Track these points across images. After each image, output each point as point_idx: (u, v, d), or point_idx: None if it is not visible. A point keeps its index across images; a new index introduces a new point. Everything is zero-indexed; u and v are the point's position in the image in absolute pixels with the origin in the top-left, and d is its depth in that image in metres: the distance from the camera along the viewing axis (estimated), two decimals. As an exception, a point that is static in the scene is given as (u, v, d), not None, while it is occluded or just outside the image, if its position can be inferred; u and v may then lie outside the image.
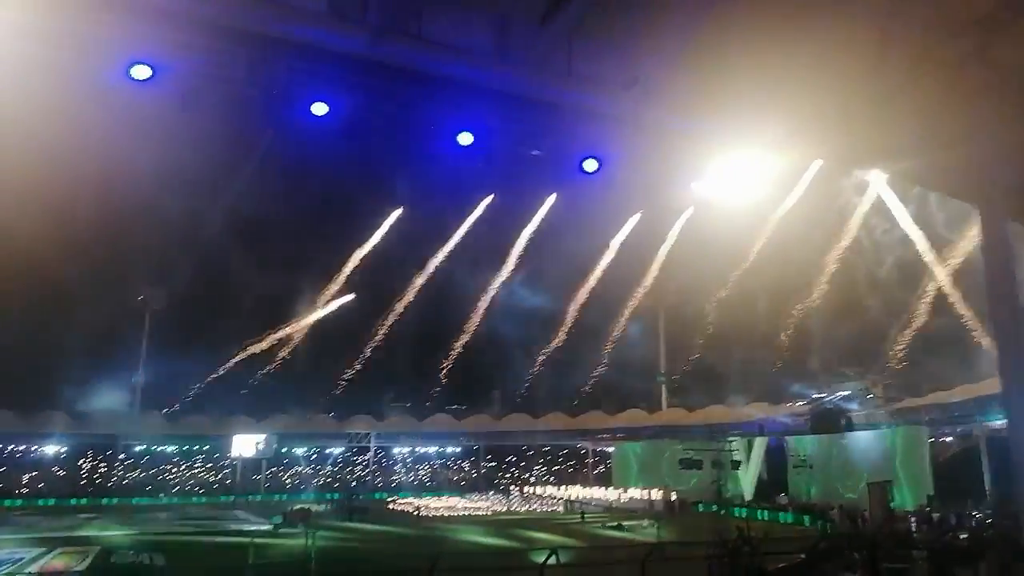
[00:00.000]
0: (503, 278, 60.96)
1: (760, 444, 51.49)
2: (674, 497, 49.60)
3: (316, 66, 16.22)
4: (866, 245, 49.64)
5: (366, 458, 66.72)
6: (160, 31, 13.70)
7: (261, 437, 59.19)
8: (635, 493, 52.15)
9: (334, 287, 61.16)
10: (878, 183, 47.95)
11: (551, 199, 56.81)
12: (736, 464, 48.56)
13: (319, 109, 17.28)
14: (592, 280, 59.42)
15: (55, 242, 42.54)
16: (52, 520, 40.98)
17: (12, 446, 57.93)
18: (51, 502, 54.51)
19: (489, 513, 47.26)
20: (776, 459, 50.92)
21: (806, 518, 39.92)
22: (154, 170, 40.01)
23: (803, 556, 17.63)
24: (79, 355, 51.54)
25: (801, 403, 50.47)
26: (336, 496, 56.53)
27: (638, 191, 34.41)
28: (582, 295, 59.76)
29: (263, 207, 49.65)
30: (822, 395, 48.96)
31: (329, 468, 66.20)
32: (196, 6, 13.63)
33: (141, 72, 14.93)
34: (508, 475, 67.55)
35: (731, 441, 49.99)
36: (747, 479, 51.18)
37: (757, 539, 19.08)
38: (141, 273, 56.62)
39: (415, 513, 46.68)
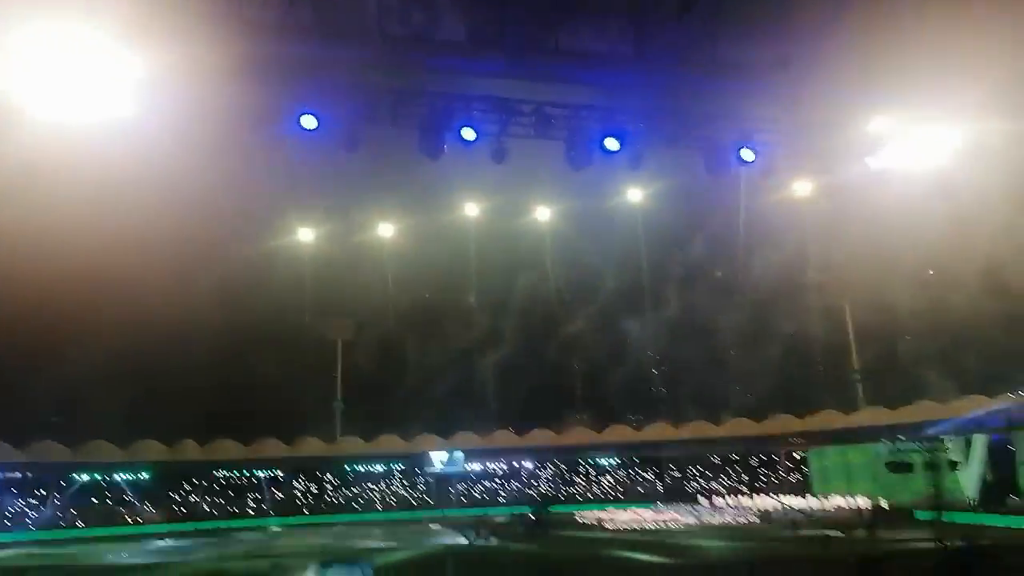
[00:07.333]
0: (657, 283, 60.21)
1: (981, 442, 45.99)
2: (884, 504, 45.67)
3: (460, 95, 16.92)
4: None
5: (549, 471, 67.85)
6: (317, 84, 14.98)
7: (447, 454, 62.26)
8: (840, 501, 48.48)
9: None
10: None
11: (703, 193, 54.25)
12: (954, 465, 43.62)
13: (468, 134, 18.02)
14: (761, 272, 55.86)
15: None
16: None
17: (237, 472, 64.58)
18: (275, 521, 60.39)
19: (681, 527, 46.02)
20: (1001, 458, 45.36)
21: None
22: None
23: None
24: (284, 387, 57.65)
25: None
26: (524, 509, 57.59)
27: (797, 175, 32.27)
28: (748, 288, 56.60)
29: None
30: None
31: (515, 483, 67.85)
32: (340, 52, 14.77)
33: (309, 122, 16.47)
34: (695, 485, 65.20)
35: (944, 440, 44.97)
36: (969, 481, 45.90)
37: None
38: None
39: (602, 526, 46.49)
